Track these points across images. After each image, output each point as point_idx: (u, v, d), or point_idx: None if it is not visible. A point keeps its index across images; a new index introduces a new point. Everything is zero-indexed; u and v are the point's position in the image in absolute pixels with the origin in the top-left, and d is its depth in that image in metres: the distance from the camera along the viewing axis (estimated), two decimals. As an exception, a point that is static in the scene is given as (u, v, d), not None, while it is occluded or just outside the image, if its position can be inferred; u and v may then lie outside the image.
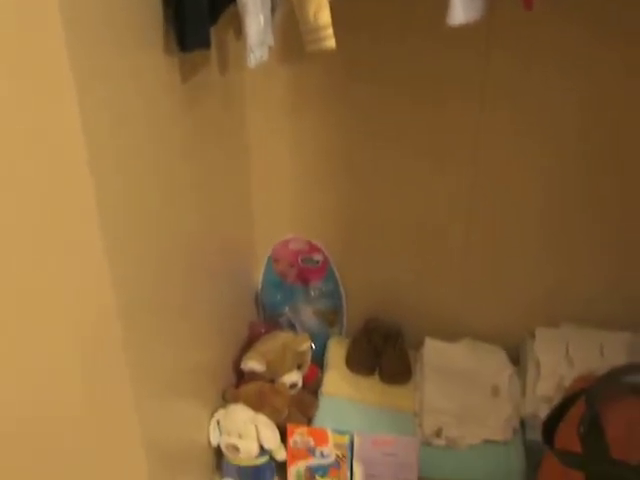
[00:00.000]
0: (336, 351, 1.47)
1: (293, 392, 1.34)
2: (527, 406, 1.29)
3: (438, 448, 1.24)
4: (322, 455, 1.20)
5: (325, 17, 0.94)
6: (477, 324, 1.47)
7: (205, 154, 1.12)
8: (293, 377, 1.35)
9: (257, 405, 1.25)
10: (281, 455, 1.23)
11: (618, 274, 1.37)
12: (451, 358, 1.41)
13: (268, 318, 1.54)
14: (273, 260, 1.50)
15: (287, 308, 1.53)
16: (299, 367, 1.37)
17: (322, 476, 1.21)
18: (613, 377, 1.02)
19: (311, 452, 1.20)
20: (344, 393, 1.37)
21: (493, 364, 1.39)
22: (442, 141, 1.30)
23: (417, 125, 1.30)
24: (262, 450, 1.22)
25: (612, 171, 1.28)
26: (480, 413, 1.29)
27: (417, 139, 1.31)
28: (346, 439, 1.19)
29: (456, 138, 1.29)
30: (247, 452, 1.21)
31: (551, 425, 1.06)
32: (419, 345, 1.45)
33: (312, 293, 1.50)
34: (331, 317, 1.53)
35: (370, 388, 1.39)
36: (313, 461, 1.21)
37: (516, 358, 1.42)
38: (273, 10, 1.05)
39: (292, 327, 1.52)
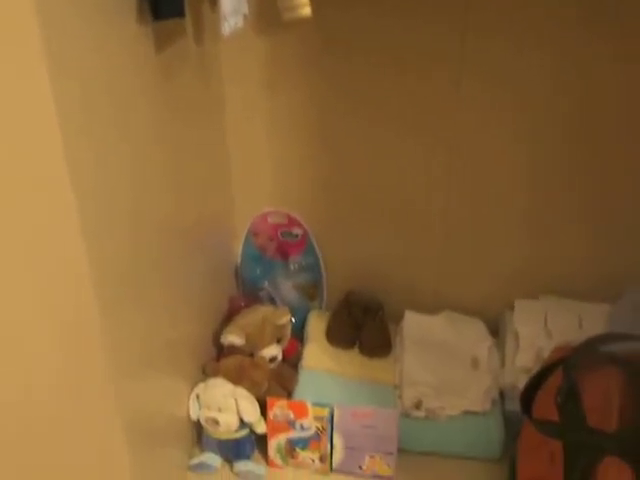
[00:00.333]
0: (316, 324, 1.47)
1: (273, 366, 1.34)
2: (506, 377, 1.30)
3: (418, 420, 1.25)
4: (302, 428, 1.20)
5: (301, -17, 0.92)
6: (457, 296, 1.47)
7: (181, 127, 1.10)
8: (273, 351, 1.35)
9: (237, 379, 1.25)
10: (261, 428, 1.23)
11: (597, 248, 1.37)
12: (431, 330, 1.41)
13: (248, 292, 1.53)
14: (252, 234, 1.49)
15: (267, 282, 1.52)
16: (279, 341, 1.37)
17: (302, 449, 1.22)
18: (590, 347, 1.03)
19: (291, 425, 1.21)
20: (324, 366, 1.36)
21: (472, 336, 1.40)
22: (420, 113, 1.29)
23: (395, 97, 1.29)
24: (242, 423, 1.22)
25: (592, 145, 1.27)
26: (460, 385, 1.29)
27: (395, 111, 1.30)
28: (326, 412, 1.19)
29: (435, 109, 1.28)
30: (227, 425, 1.20)
31: (529, 395, 1.07)
32: (399, 318, 1.45)
33: (292, 267, 1.50)
34: (311, 291, 1.52)
35: (350, 361, 1.39)
36: (293, 434, 1.21)
37: (495, 330, 1.43)
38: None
39: (272, 301, 1.52)
